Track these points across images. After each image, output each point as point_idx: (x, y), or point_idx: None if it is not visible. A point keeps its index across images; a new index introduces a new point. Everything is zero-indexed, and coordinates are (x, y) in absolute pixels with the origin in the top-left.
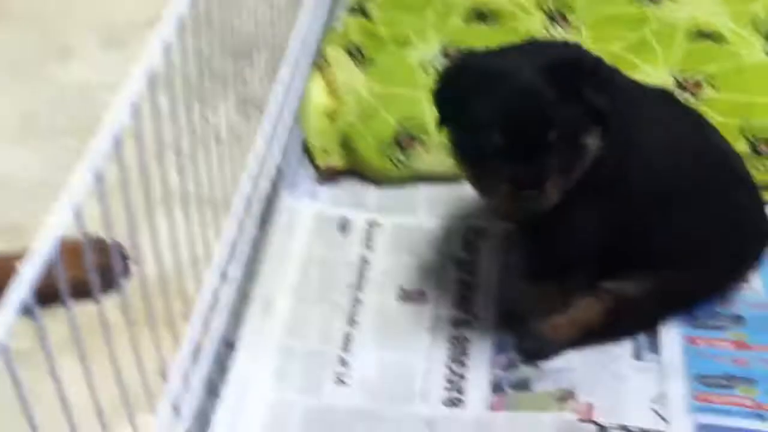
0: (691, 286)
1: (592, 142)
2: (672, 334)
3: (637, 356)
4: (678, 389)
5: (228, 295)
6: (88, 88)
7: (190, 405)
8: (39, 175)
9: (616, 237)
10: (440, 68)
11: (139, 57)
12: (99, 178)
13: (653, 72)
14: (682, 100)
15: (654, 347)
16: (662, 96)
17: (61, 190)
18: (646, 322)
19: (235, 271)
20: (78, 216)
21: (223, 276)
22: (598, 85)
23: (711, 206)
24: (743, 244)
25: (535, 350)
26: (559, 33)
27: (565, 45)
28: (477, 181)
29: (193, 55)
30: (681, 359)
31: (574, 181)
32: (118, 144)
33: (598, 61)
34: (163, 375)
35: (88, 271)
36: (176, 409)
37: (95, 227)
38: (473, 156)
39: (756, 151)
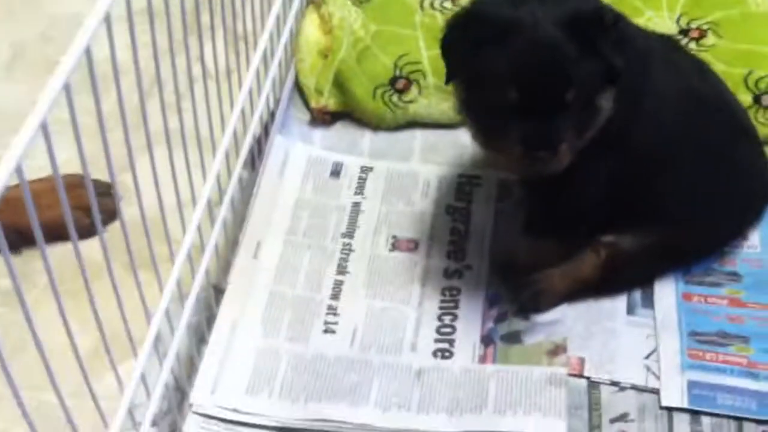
0: (691, 242)
1: (607, 103)
2: (667, 290)
3: (631, 312)
4: (671, 346)
5: (215, 236)
6: (79, 20)
7: (174, 350)
8: (29, 109)
9: (619, 191)
10: (443, 10)
11: None
12: (68, 90)
13: (657, 17)
14: (685, 48)
15: (648, 303)
16: (668, 44)
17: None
18: (643, 277)
19: (223, 212)
20: (45, 130)
21: (211, 217)
22: (617, 43)
23: (715, 159)
24: (746, 199)
25: (531, 302)
26: None
27: None
28: (487, 140)
29: None
30: (675, 316)
31: (587, 141)
32: (89, 56)
33: (618, 16)
34: (147, 318)
35: (72, 208)
36: (160, 353)
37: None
38: (484, 112)
39: (758, 102)
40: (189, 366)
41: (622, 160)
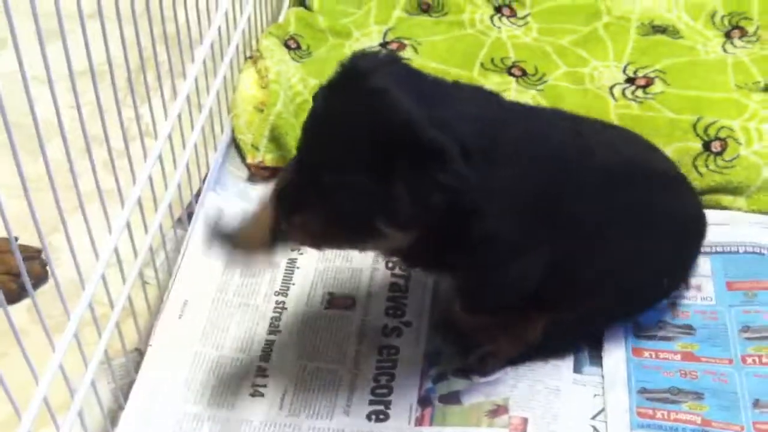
0: (636, 302)
1: (390, 233)
2: (616, 346)
3: (578, 370)
4: (619, 404)
5: (125, 294)
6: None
7: (72, 417)
8: None
9: (550, 273)
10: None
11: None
12: None
13: (603, 67)
14: (631, 95)
15: (596, 361)
16: (574, 126)
17: None
18: (590, 336)
19: (135, 270)
20: None
21: (122, 275)
22: (446, 181)
23: (644, 225)
24: (685, 247)
25: (478, 366)
26: (505, 25)
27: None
28: None
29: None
30: (624, 372)
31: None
32: None
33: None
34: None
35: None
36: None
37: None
38: None
39: (708, 148)
40: None
41: (548, 248)
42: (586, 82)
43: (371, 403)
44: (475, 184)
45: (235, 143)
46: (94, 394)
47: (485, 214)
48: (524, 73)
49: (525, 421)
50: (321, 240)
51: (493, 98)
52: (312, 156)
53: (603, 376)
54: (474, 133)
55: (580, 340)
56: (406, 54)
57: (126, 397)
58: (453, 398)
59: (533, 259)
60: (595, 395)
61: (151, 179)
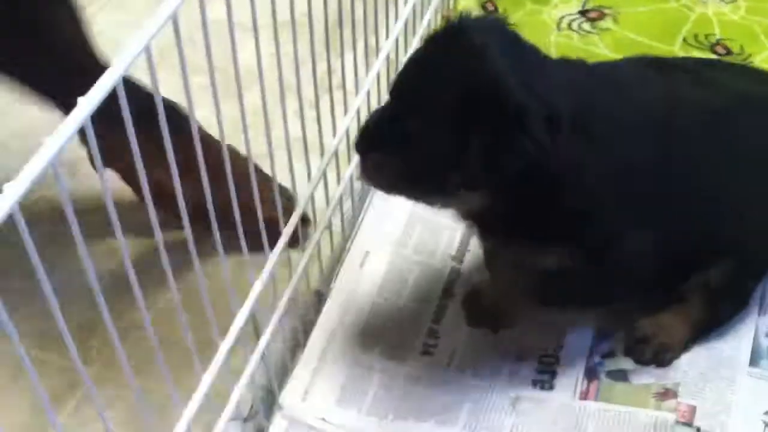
0: None
1: (460, 193)
2: None
3: (755, 363)
4: None
5: (315, 240)
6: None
7: (262, 346)
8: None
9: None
10: (580, 32)
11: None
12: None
13: None
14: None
15: None
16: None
17: None
18: (747, 298)
19: (328, 215)
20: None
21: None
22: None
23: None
24: None
25: (654, 360)
26: (712, 1)
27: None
28: None
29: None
30: None
31: (416, 191)
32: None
33: (527, 109)
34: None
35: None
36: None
37: None
38: None
39: None
40: (282, 368)
41: (666, 217)
42: None
43: (537, 371)
44: (561, 154)
45: None
46: (280, 328)
47: (574, 188)
48: (729, 51)
49: (693, 408)
50: (391, 185)
51: (584, 69)
52: (400, 100)
53: None
54: (569, 105)
55: (741, 306)
56: (606, 24)
57: (304, 334)
58: (621, 375)
59: (648, 233)
60: None
61: (347, 132)
